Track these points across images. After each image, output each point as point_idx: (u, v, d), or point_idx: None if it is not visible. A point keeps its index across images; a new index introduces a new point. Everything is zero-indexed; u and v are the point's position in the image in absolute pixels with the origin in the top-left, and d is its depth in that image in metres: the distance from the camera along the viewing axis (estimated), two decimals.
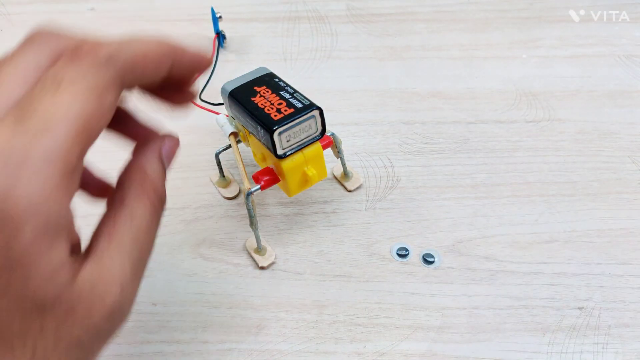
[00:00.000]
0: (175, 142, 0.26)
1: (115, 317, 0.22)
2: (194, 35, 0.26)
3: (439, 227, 0.37)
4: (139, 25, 0.46)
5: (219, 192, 0.39)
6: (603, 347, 0.31)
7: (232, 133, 0.37)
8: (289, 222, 0.38)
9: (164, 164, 0.26)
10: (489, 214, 0.37)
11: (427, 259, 0.35)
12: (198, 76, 0.26)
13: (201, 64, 0.25)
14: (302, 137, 0.32)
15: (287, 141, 0.31)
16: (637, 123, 0.42)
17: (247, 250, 0.35)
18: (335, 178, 0.40)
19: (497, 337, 0.32)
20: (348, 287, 0.34)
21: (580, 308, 0.33)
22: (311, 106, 0.31)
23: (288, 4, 0.47)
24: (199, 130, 0.41)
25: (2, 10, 0.46)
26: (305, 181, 0.33)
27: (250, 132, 0.33)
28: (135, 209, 0.24)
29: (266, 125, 0.30)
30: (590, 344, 0.32)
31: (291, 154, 0.32)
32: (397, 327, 0.32)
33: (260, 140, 0.32)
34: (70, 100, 0.21)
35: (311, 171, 0.33)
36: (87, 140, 0.21)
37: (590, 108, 0.44)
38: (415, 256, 0.35)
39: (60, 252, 0.20)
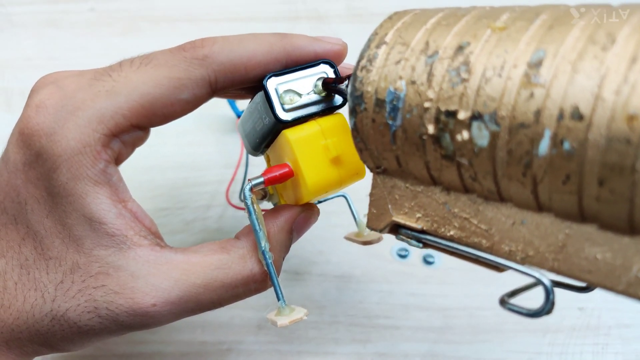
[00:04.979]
0: (311, 215, 0.25)
1: (133, 320, 0.22)
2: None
3: None
4: (139, 25, 0.46)
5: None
6: (603, 348, 0.31)
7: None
8: None
9: (292, 237, 0.25)
10: None
11: (428, 260, 0.35)
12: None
13: (331, 58, 0.24)
14: (312, 100, 0.24)
15: (290, 101, 0.24)
16: None
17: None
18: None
19: (498, 337, 0.32)
20: (348, 287, 0.34)
21: (580, 308, 0.33)
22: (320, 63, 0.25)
23: (288, 3, 0.47)
24: (200, 129, 0.41)
25: (2, 11, 0.46)
26: (331, 172, 0.24)
27: (267, 148, 0.26)
28: (231, 268, 0.23)
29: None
30: (590, 344, 0.31)
31: (300, 121, 0.24)
32: (397, 328, 0.32)
33: (266, 132, 0.25)
34: (145, 79, 0.22)
35: (334, 147, 0.24)
36: (146, 117, 0.22)
37: None
38: (415, 256, 0.35)
39: (99, 204, 0.21)
